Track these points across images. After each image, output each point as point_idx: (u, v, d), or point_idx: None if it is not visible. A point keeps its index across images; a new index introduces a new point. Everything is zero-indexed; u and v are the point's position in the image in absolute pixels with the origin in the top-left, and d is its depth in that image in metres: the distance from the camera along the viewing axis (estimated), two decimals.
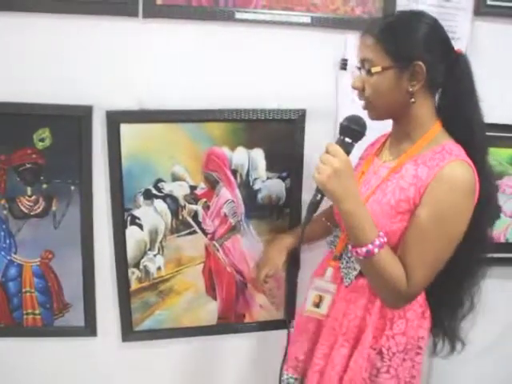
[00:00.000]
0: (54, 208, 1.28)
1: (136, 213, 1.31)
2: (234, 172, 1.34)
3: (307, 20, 1.28)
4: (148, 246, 1.34)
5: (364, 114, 1.02)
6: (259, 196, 1.37)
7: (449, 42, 1.00)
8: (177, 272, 1.37)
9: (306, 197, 1.36)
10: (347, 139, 0.97)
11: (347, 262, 1.09)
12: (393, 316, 1.04)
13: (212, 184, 1.33)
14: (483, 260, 1.06)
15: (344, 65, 1.33)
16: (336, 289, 1.09)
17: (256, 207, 1.37)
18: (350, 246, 1.00)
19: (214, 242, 1.37)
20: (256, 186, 1.36)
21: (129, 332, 1.39)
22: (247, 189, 1.35)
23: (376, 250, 0.93)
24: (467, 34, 1.38)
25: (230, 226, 1.37)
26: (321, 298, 1.09)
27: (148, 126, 1.26)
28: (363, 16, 1.32)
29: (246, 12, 1.25)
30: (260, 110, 1.30)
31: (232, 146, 1.32)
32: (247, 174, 1.34)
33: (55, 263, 1.32)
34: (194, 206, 1.34)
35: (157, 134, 1.27)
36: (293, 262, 1.41)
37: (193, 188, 1.32)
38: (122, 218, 1.31)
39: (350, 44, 1.32)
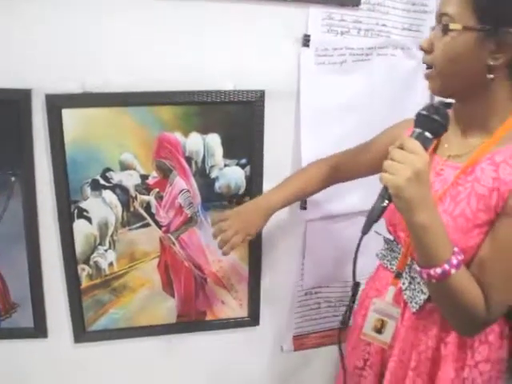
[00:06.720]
0: None
1: (83, 205, 1.22)
2: (189, 159, 1.24)
3: None
4: (98, 241, 1.25)
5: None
6: (217, 185, 1.27)
7: None
8: (130, 268, 1.28)
9: (267, 185, 1.27)
10: (427, 134, 0.77)
11: (410, 283, 0.93)
12: (473, 342, 0.89)
13: (165, 173, 1.23)
14: None
15: (306, 41, 1.22)
16: (400, 313, 0.93)
17: (214, 197, 1.27)
18: (416, 267, 0.81)
19: (170, 235, 1.28)
20: (213, 175, 1.26)
21: (81, 332, 1.30)
22: (203, 177, 1.26)
23: (453, 271, 0.76)
24: None
25: (186, 217, 1.27)
26: (383, 323, 0.94)
27: (92, 110, 1.16)
28: None
29: None
30: (214, 91, 1.20)
31: (185, 131, 1.21)
32: (203, 162, 1.24)
33: None
34: (146, 197, 1.24)
35: (102, 120, 1.17)
36: (255, 252, 1.33)
37: (144, 177, 1.23)
38: (68, 211, 1.21)
39: (312, 18, 1.22)
